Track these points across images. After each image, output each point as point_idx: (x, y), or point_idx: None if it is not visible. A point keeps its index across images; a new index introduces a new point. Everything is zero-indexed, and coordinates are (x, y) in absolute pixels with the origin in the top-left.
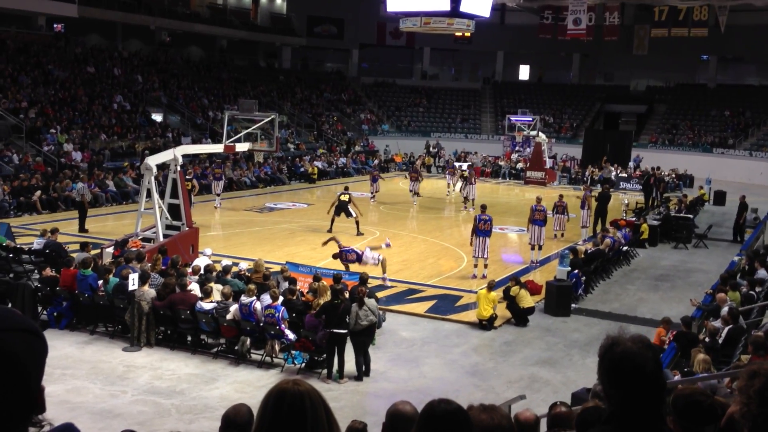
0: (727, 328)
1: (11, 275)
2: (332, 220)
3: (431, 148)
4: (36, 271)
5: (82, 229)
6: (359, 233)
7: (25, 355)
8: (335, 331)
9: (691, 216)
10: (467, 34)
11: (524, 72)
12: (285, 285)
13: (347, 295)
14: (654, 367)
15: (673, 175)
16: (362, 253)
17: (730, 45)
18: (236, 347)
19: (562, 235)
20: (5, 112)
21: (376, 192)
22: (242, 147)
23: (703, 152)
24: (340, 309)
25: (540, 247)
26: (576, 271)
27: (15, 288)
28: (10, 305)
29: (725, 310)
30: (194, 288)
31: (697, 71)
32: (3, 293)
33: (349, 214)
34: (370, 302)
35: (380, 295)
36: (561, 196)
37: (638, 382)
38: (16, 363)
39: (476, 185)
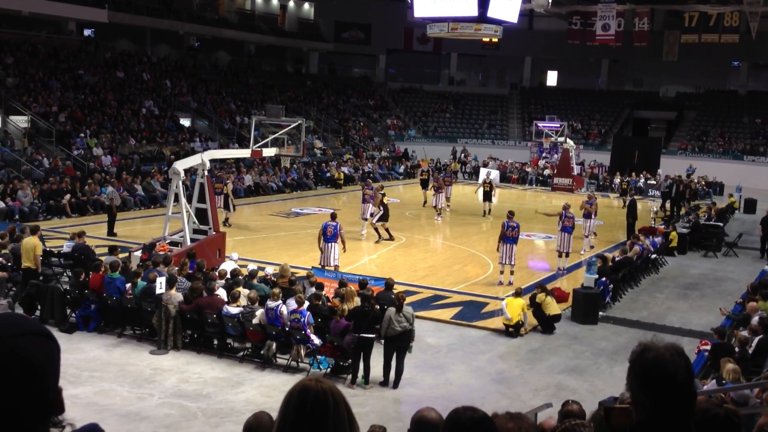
0: (757, 338)
1: (41, 278)
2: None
3: (458, 154)
4: (65, 274)
5: (111, 232)
6: (381, 239)
7: (41, 359)
8: (363, 335)
9: (720, 224)
10: (495, 39)
11: (552, 78)
12: (311, 290)
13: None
14: (685, 375)
15: (703, 183)
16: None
17: (761, 51)
18: (262, 352)
19: (594, 234)
20: (36, 115)
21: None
22: (269, 152)
23: (733, 159)
24: (369, 316)
25: (567, 255)
26: (604, 278)
27: (44, 291)
28: (39, 308)
29: (755, 319)
30: (221, 292)
31: (728, 77)
32: (33, 296)
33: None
34: (407, 309)
35: (407, 300)
36: (593, 198)
37: (668, 389)
38: (32, 367)
39: (444, 194)
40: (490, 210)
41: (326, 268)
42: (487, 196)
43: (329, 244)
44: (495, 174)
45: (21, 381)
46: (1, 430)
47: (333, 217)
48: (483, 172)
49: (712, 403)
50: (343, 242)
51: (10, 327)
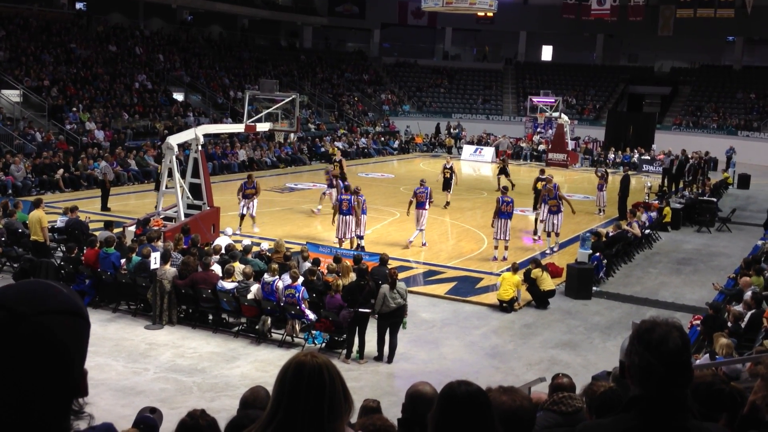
0: (749, 313)
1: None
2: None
3: (452, 129)
4: (59, 249)
5: (105, 207)
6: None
7: (66, 341)
8: (359, 310)
9: (714, 199)
10: (490, 14)
11: (547, 52)
12: (306, 265)
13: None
14: (679, 342)
15: (697, 158)
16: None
17: (756, 26)
18: (257, 326)
19: (603, 211)
20: (28, 89)
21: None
22: (263, 127)
23: (727, 135)
24: (365, 290)
25: (557, 234)
26: (597, 254)
27: (38, 265)
28: None
29: (748, 294)
30: (216, 267)
31: (723, 53)
32: (26, 270)
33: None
34: (400, 285)
35: (401, 276)
36: (606, 173)
37: (661, 353)
38: (56, 351)
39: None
40: (448, 203)
41: (344, 240)
42: (447, 185)
43: (346, 217)
44: (489, 152)
45: (43, 365)
46: (22, 415)
47: (353, 191)
48: (469, 149)
49: (718, 378)
50: (357, 216)
51: (35, 302)
